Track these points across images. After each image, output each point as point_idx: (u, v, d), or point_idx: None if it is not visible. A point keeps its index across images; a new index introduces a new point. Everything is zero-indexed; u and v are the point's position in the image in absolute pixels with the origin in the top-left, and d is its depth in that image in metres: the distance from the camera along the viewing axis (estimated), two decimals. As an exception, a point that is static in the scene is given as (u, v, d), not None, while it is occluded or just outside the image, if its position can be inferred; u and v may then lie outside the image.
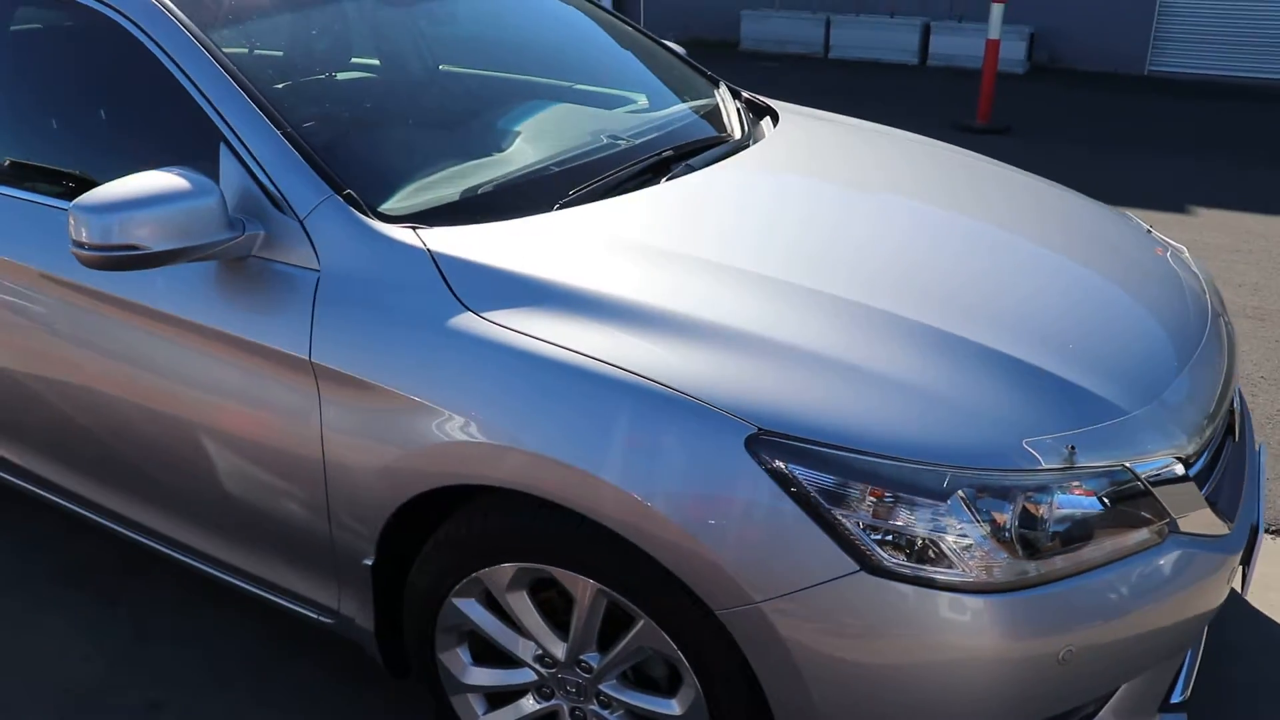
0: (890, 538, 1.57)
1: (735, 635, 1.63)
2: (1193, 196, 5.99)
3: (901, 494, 1.57)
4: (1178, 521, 1.74)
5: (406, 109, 2.53)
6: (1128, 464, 1.69)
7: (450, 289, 1.84)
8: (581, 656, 1.85)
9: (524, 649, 1.90)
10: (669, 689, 1.84)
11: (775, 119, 2.93)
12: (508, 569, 1.82)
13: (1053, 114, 8.22)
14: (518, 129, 2.50)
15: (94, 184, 2.20)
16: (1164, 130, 7.74)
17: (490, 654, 1.99)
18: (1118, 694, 1.79)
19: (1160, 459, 1.74)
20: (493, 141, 2.42)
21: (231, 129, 2.03)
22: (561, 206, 2.10)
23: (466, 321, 1.79)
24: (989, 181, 2.65)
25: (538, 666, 1.90)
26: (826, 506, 1.57)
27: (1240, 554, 1.88)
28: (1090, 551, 1.65)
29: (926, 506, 1.57)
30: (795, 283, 1.88)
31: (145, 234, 1.85)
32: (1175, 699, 1.93)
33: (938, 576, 1.57)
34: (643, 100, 2.88)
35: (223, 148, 2.04)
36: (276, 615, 2.57)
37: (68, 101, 2.34)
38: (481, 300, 1.82)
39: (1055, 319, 1.94)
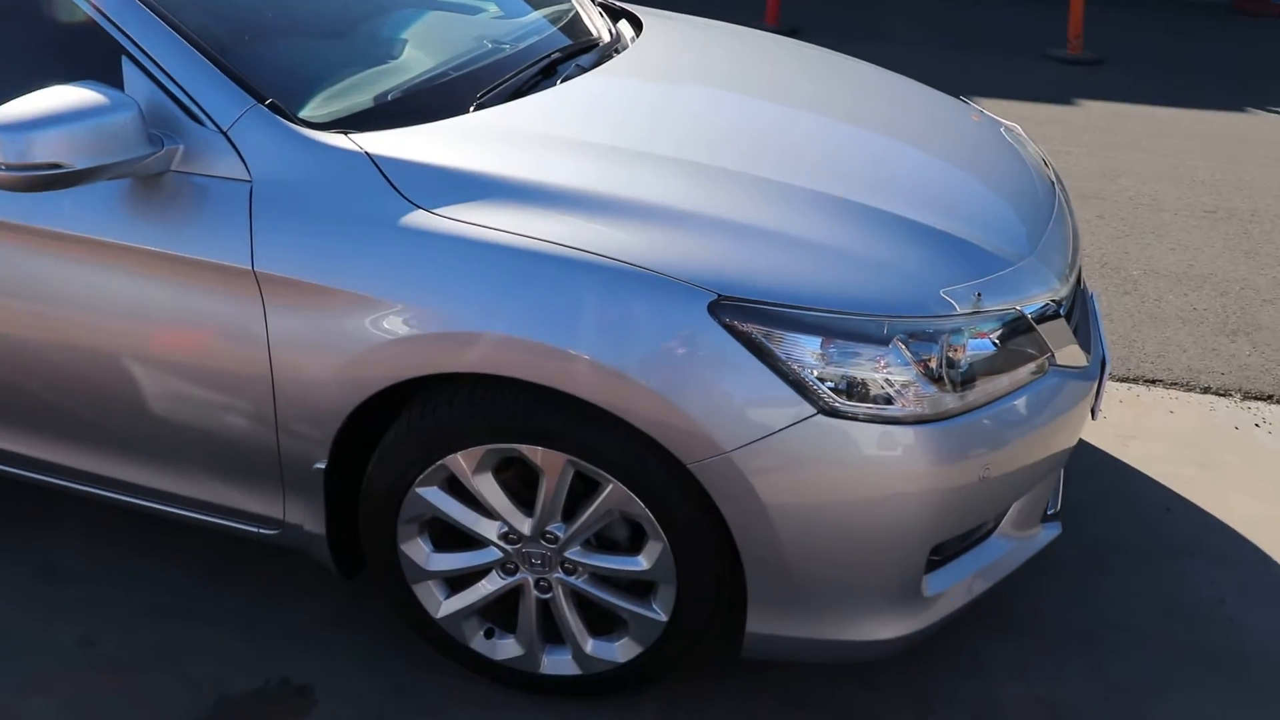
0: (841, 384, 1.76)
1: (706, 485, 1.79)
2: (972, 87, 6.51)
3: (848, 343, 1.76)
4: (1055, 355, 2.02)
5: (285, 18, 2.45)
6: (1018, 306, 1.95)
7: (395, 189, 1.86)
8: (547, 528, 1.96)
9: (488, 529, 1.99)
10: (631, 548, 1.99)
11: (632, 21, 3.01)
12: (475, 452, 1.90)
13: (830, 15, 8.63)
14: (402, 36, 2.48)
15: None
16: (932, 27, 8.30)
17: (450, 539, 2.06)
18: (1011, 509, 2.08)
19: (1040, 302, 2.01)
20: (383, 49, 2.40)
21: (133, 41, 1.95)
22: (477, 108, 2.14)
23: (419, 219, 1.83)
24: (845, 72, 2.85)
25: (503, 544, 2.00)
26: (784, 359, 1.74)
27: (1095, 382, 2.21)
28: (996, 383, 1.90)
29: (870, 352, 1.77)
30: (719, 166, 2.02)
31: (66, 151, 1.78)
32: (1050, 511, 2.26)
33: (883, 413, 1.77)
34: (494, 8, 2.89)
35: (125, 62, 1.95)
36: (191, 538, 2.52)
37: None
38: (429, 197, 1.85)
39: (940, 189, 2.18)
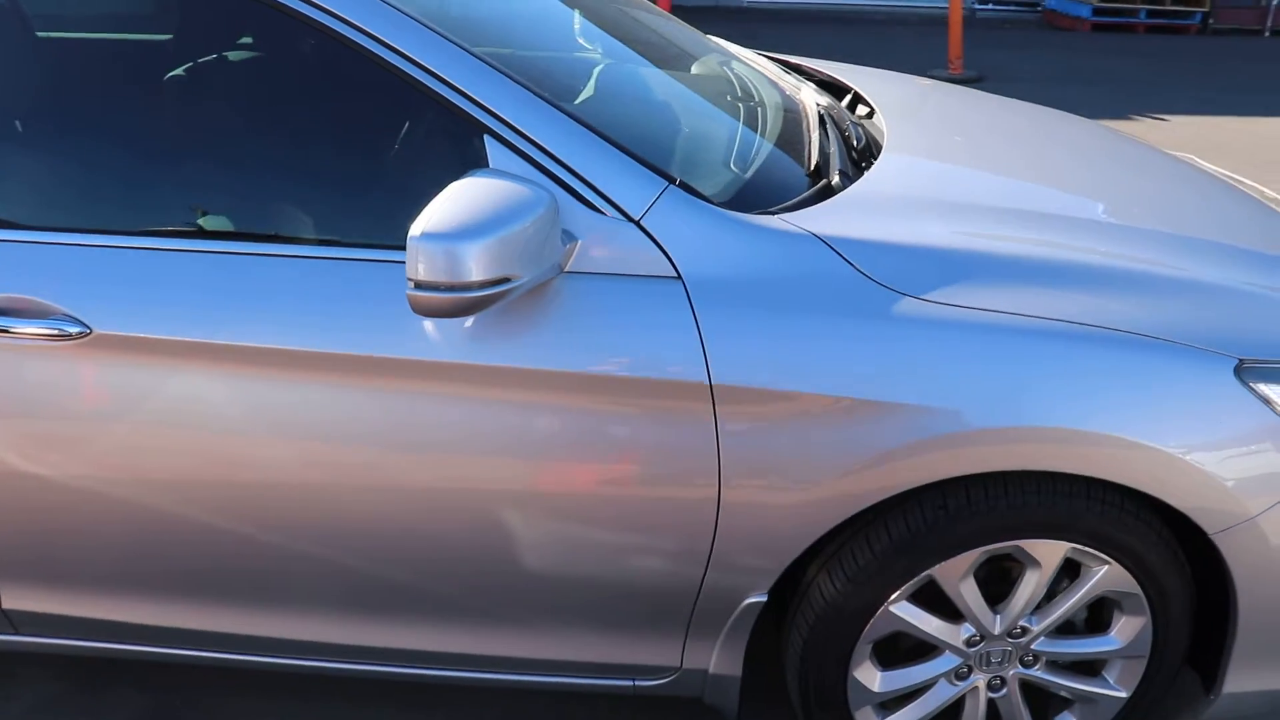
0: None
1: (1224, 550, 1.71)
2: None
3: None
4: None
5: (617, 92, 2.14)
6: None
7: (866, 275, 1.67)
8: (1019, 623, 1.82)
9: (954, 635, 1.83)
10: (1088, 628, 1.88)
11: (798, 72, 2.86)
12: (969, 556, 1.74)
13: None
14: (663, 100, 2.23)
15: (301, 220, 1.71)
16: (818, 51, 8.56)
17: (895, 655, 1.88)
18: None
19: None
20: (667, 115, 2.14)
21: (505, 123, 1.66)
22: (847, 180, 1.96)
23: (912, 307, 1.65)
24: (1057, 119, 2.84)
25: (964, 648, 1.84)
26: None
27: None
28: None
29: None
30: (1142, 226, 1.98)
31: (515, 260, 1.50)
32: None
33: None
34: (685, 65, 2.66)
35: (491, 143, 1.66)
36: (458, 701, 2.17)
37: (244, 125, 1.77)
38: (908, 282, 1.68)
39: (1252, 226, 2.21)
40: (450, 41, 1.68)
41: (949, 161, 2.23)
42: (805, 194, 1.88)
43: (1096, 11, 10.04)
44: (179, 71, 1.93)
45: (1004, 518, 1.71)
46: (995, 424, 1.63)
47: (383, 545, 1.76)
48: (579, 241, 1.64)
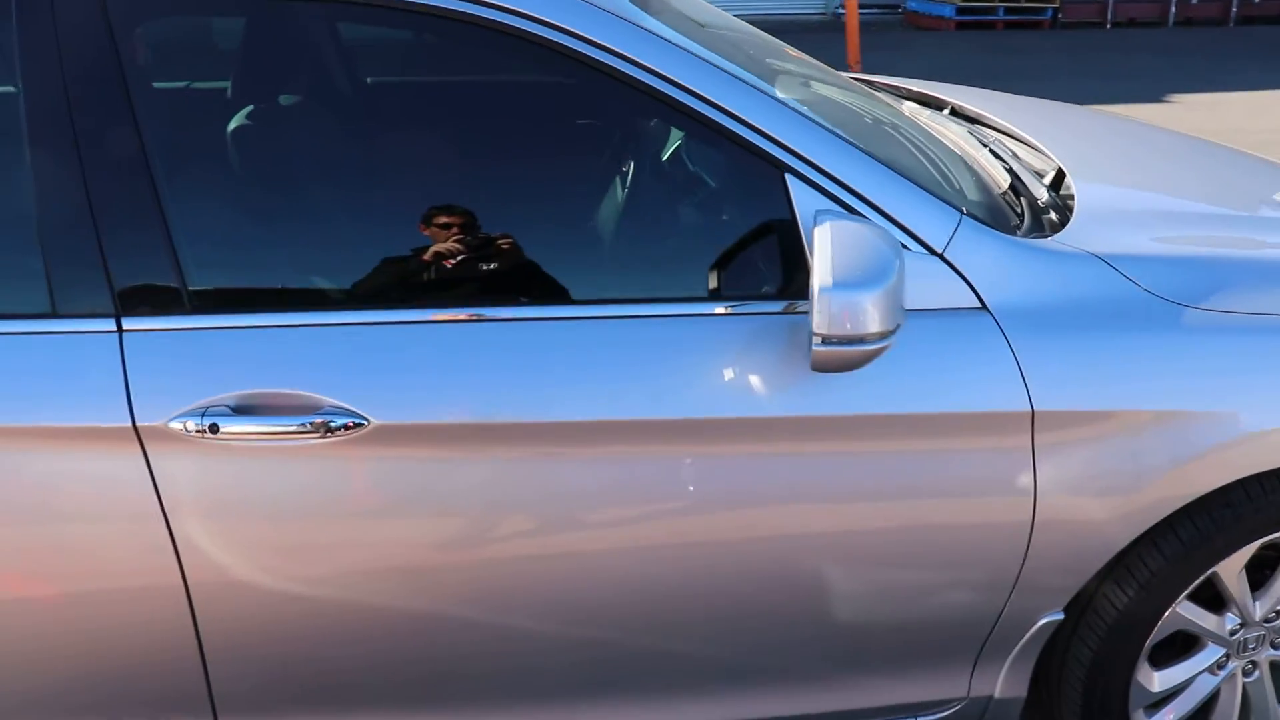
0: None
1: None
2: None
3: None
4: None
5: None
6: None
7: (1143, 288, 1.72)
8: (1276, 607, 1.92)
9: (1222, 627, 1.90)
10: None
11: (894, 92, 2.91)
12: (1249, 549, 1.81)
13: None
14: (885, 131, 2.21)
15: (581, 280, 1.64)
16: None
17: (1161, 652, 1.94)
18: None
19: None
20: (896, 148, 2.11)
21: (806, 160, 1.62)
22: (1057, 198, 2.02)
23: (1193, 317, 1.71)
24: (1082, 114, 2.99)
25: (1227, 638, 1.92)
26: None
27: None
28: None
29: None
30: None
31: (899, 308, 1.49)
32: None
33: None
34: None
35: (795, 184, 1.62)
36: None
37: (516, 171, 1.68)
38: (1179, 292, 1.73)
39: None
40: (744, 81, 1.64)
41: (1127, 171, 2.32)
42: (1029, 217, 1.92)
43: (960, 11, 10.63)
44: (463, 127, 1.81)
45: (1278, 509, 1.80)
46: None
47: (700, 615, 1.71)
48: None
